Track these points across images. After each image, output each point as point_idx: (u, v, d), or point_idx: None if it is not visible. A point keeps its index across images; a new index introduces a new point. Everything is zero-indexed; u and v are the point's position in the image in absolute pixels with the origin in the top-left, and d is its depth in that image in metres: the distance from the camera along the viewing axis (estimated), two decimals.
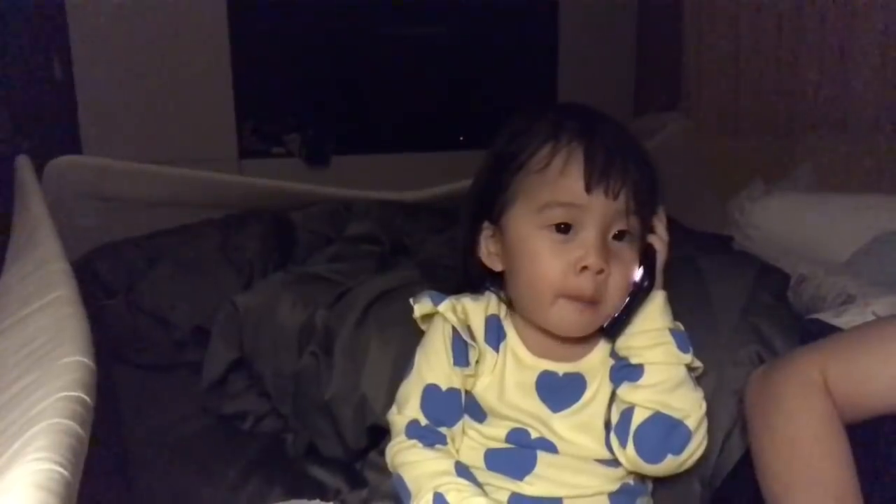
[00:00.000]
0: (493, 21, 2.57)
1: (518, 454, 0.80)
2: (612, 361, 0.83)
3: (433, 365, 0.82)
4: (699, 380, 0.84)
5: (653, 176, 0.82)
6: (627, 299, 0.80)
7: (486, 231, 0.84)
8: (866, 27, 1.83)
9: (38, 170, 1.45)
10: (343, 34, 2.46)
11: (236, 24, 2.25)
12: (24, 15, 1.80)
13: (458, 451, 0.82)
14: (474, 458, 0.81)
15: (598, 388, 0.82)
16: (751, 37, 2.14)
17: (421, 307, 0.86)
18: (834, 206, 1.60)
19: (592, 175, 0.76)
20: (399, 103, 2.57)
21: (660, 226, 0.83)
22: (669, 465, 0.79)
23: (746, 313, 0.95)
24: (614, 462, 0.81)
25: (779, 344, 0.92)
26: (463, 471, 0.78)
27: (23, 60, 1.78)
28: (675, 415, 0.78)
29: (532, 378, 0.82)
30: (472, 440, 0.83)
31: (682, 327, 0.83)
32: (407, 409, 0.82)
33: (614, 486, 0.81)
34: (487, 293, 0.87)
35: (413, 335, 0.90)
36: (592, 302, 0.78)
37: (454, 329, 0.83)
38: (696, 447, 0.79)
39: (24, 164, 1.42)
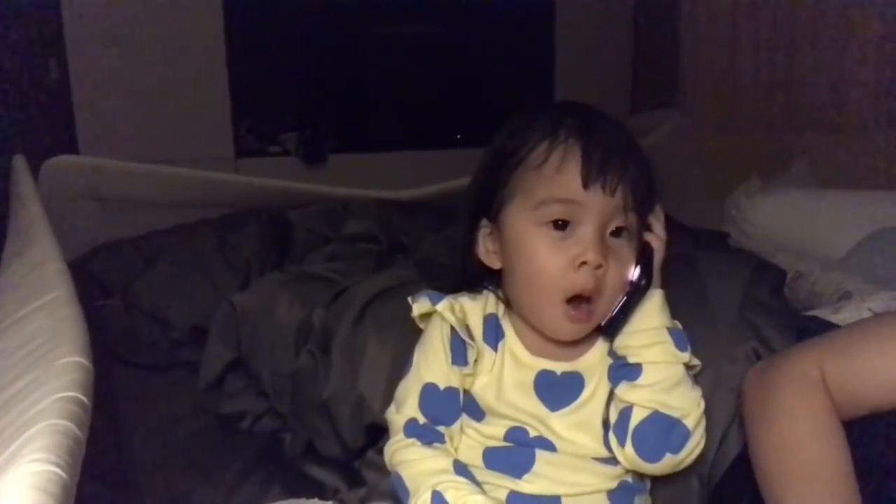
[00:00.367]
0: (490, 20, 2.58)
1: (516, 453, 0.80)
2: (610, 360, 0.83)
3: (431, 364, 0.82)
4: (697, 377, 0.84)
5: (650, 173, 0.82)
6: (624, 298, 0.80)
7: (485, 229, 0.84)
8: (863, 25, 1.83)
9: (35, 170, 1.45)
10: (339, 33, 2.47)
11: (232, 23, 2.25)
12: (19, 15, 1.80)
13: (456, 449, 0.82)
14: (473, 457, 0.81)
15: (595, 386, 0.82)
16: (747, 34, 2.14)
17: (419, 306, 0.86)
18: (830, 203, 1.61)
19: (590, 171, 0.76)
20: (396, 102, 2.58)
21: (657, 224, 0.83)
22: (668, 464, 0.79)
23: (743, 310, 0.95)
24: (612, 460, 0.81)
25: (776, 341, 0.92)
26: (461, 469, 0.78)
27: (19, 60, 1.78)
28: (674, 414, 0.78)
29: (530, 377, 0.82)
30: (470, 439, 0.83)
31: (679, 326, 0.83)
32: (405, 407, 0.82)
33: (612, 485, 0.81)
34: (485, 292, 0.87)
35: (411, 334, 0.89)
36: (591, 299, 0.78)
37: (452, 328, 0.83)
38: (694, 446, 0.79)
39: (20, 165, 1.42)
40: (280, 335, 1.11)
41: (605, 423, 0.81)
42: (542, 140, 0.79)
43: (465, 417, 0.83)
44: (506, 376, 0.82)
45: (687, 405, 0.79)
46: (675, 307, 0.84)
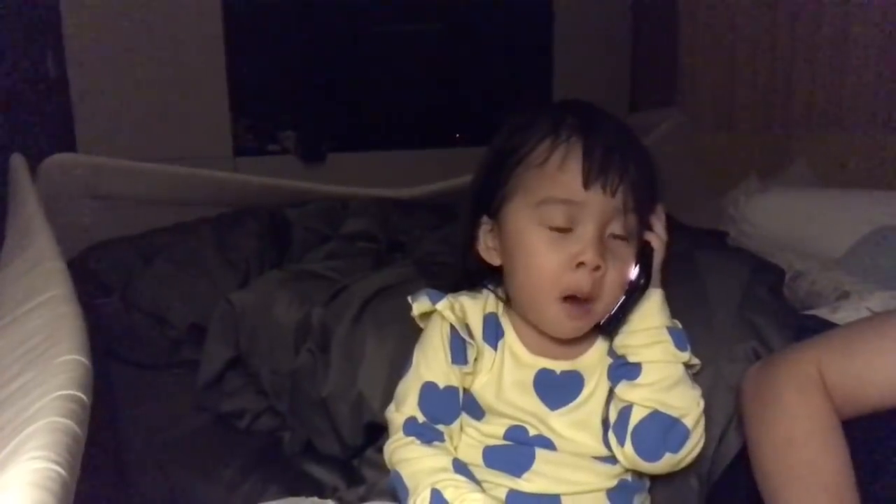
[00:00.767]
0: (488, 18, 2.57)
1: (516, 451, 0.81)
2: (609, 359, 0.83)
3: (431, 363, 0.82)
4: (696, 376, 0.84)
5: (652, 174, 0.82)
6: (623, 297, 0.80)
7: (485, 225, 0.85)
8: (862, 23, 1.84)
9: (33, 168, 1.45)
10: (338, 32, 2.46)
11: (231, 21, 2.24)
12: (18, 12, 1.80)
13: (456, 448, 0.82)
14: (472, 456, 0.81)
15: (595, 385, 0.82)
16: (746, 33, 2.15)
17: (419, 305, 0.86)
18: (829, 202, 1.61)
19: (590, 171, 0.76)
20: (394, 101, 2.57)
21: (658, 224, 0.83)
22: (667, 462, 0.79)
23: (742, 309, 0.95)
24: (612, 459, 0.81)
25: (775, 340, 0.92)
26: (461, 468, 0.78)
27: (17, 58, 1.77)
28: (673, 413, 0.78)
29: (530, 376, 0.82)
30: (470, 438, 0.83)
31: (679, 325, 0.83)
32: (405, 406, 0.82)
33: (612, 483, 0.81)
34: (485, 291, 0.87)
35: (410, 333, 0.90)
36: (588, 300, 0.78)
37: (452, 327, 0.83)
38: (693, 445, 0.79)
39: (18, 163, 1.42)
40: (279, 334, 1.11)
41: (605, 422, 0.81)
42: (543, 138, 0.79)
43: (464, 416, 0.83)
44: (505, 375, 0.82)
45: (686, 404, 0.79)
46: (674, 306, 0.84)
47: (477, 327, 0.84)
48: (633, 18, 2.65)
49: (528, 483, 0.79)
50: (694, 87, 2.30)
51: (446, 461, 0.77)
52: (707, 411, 0.81)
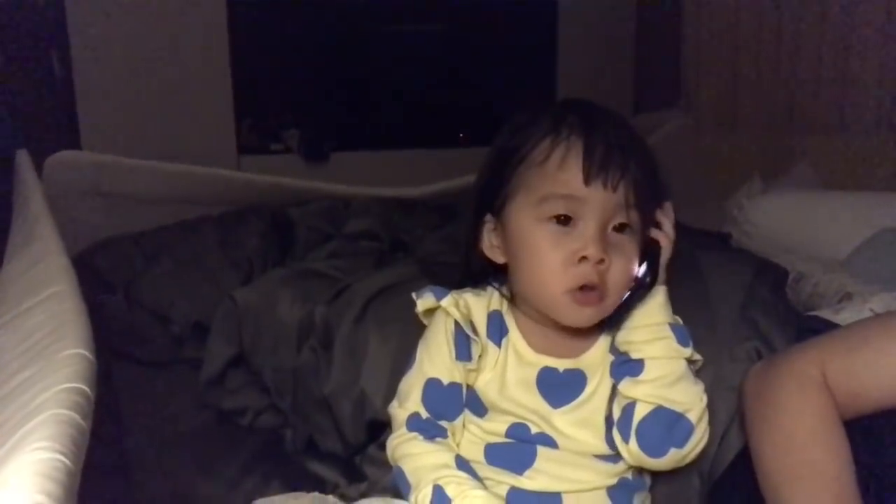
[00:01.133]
0: (492, 18, 2.57)
1: (518, 449, 0.81)
2: (612, 357, 0.83)
3: (435, 359, 0.83)
4: (697, 375, 0.84)
5: (655, 171, 0.82)
6: (628, 293, 0.80)
7: (489, 224, 0.85)
8: (866, 25, 1.83)
9: (38, 165, 1.46)
10: (341, 31, 2.47)
11: (235, 20, 2.25)
12: (23, 11, 1.80)
13: (458, 445, 0.82)
14: (474, 453, 0.81)
15: (598, 383, 0.83)
16: (749, 34, 2.15)
17: (423, 302, 0.86)
18: (832, 204, 1.61)
19: (591, 168, 0.76)
20: (398, 100, 2.57)
21: (666, 222, 0.83)
22: (672, 458, 0.79)
23: (745, 309, 0.95)
24: (613, 457, 0.81)
25: (777, 340, 0.92)
26: (463, 464, 0.78)
27: (22, 57, 1.78)
28: (677, 408, 0.78)
29: (533, 374, 0.82)
30: (472, 434, 0.83)
31: (681, 321, 0.83)
32: (408, 402, 0.82)
33: (613, 481, 0.81)
34: (489, 289, 0.87)
35: (412, 331, 0.90)
36: (596, 289, 0.78)
37: (456, 323, 0.83)
38: (698, 440, 0.79)
39: (23, 160, 1.43)
40: (282, 331, 1.12)
41: (608, 420, 0.81)
42: (544, 137, 0.80)
43: (467, 413, 0.83)
44: (509, 373, 0.83)
45: (690, 399, 0.79)
46: (677, 306, 0.84)
47: (481, 324, 0.84)
48: (637, 20, 2.65)
49: (530, 481, 0.79)
50: (698, 89, 2.30)
51: (449, 457, 0.78)
52: (709, 410, 0.81)
